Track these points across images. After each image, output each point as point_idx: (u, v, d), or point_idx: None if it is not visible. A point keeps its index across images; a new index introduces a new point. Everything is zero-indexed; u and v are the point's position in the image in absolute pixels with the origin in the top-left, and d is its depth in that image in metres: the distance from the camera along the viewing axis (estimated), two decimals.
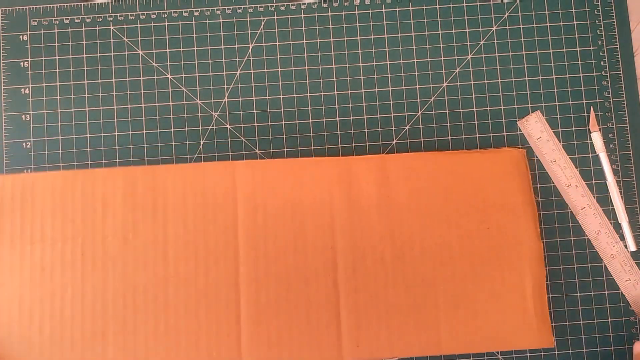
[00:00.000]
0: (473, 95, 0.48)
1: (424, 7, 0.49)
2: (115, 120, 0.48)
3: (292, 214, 0.45)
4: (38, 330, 0.43)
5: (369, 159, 0.45)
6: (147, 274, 0.44)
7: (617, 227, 0.47)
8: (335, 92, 0.48)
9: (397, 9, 0.49)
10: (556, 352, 0.46)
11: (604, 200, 0.47)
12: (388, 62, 0.48)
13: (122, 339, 0.43)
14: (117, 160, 0.47)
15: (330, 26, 0.49)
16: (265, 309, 0.44)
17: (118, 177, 0.45)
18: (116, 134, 0.48)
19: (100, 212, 0.44)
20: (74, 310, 0.43)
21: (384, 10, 0.49)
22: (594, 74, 0.48)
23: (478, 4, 0.49)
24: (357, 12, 0.49)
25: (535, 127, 0.47)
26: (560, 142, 0.47)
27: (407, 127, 0.48)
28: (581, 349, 0.46)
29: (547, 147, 0.47)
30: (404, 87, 0.48)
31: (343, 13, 0.49)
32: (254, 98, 0.48)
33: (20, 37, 0.49)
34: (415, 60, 0.49)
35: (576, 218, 0.46)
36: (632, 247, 0.44)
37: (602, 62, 0.48)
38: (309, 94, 0.48)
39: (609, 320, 0.46)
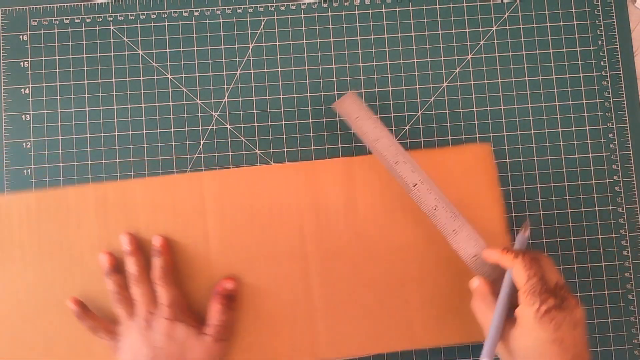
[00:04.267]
0: (473, 95, 0.48)
1: (424, 7, 0.49)
2: (115, 120, 0.48)
3: (261, 222, 0.45)
4: (29, 348, 0.44)
5: (334, 163, 0.46)
6: None
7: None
8: (335, 92, 0.48)
9: (397, 9, 0.49)
10: None
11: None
12: (388, 62, 0.48)
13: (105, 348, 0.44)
14: (117, 160, 0.47)
15: (330, 26, 0.49)
16: (244, 318, 0.44)
17: (89, 194, 0.45)
18: (116, 134, 0.48)
19: (75, 229, 0.45)
20: (61, 325, 0.44)
21: (384, 10, 0.49)
22: (594, 74, 0.48)
23: (478, 4, 0.49)
24: (357, 12, 0.49)
25: (352, 108, 0.45)
26: (560, 141, 0.47)
27: (407, 127, 0.48)
28: None
29: (368, 126, 0.44)
30: (404, 87, 0.48)
31: (343, 13, 0.49)
32: (254, 98, 0.48)
33: (20, 37, 0.49)
34: (415, 60, 0.49)
35: (410, 196, 0.43)
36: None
37: (602, 62, 0.48)
38: (309, 94, 0.48)
39: (609, 320, 0.46)
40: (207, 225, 0.45)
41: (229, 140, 0.48)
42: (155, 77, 0.48)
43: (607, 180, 0.47)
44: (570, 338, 0.34)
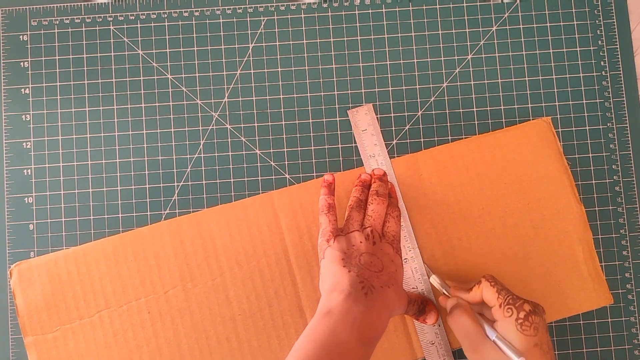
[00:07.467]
0: (473, 95, 0.48)
1: (424, 7, 0.49)
2: (115, 120, 0.48)
3: None
4: None
5: (399, 160, 0.46)
6: (213, 318, 0.44)
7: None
8: (335, 92, 0.48)
9: (397, 9, 0.49)
10: (556, 352, 0.46)
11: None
12: (388, 62, 0.48)
13: None
14: (117, 160, 0.47)
15: (330, 26, 0.49)
16: None
17: (163, 231, 0.45)
18: (116, 134, 0.48)
19: (156, 268, 0.45)
20: None
21: (384, 10, 0.49)
22: (594, 74, 0.48)
23: (478, 4, 0.49)
24: (357, 12, 0.49)
25: (364, 119, 0.47)
26: (560, 141, 0.47)
27: (407, 127, 0.48)
28: (581, 349, 0.46)
29: (370, 141, 0.47)
30: (404, 87, 0.48)
31: (343, 13, 0.49)
32: (254, 98, 0.48)
33: (20, 37, 0.49)
34: (415, 60, 0.49)
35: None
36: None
37: (602, 62, 0.48)
38: (309, 94, 0.48)
39: (609, 320, 0.46)
40: (285, 241, 0.45)
41: (229, 140, 0.48)
42: (155, 77, 0.48)
43: (607, 180, 0.47)
44: (546, 342, 0.35)
